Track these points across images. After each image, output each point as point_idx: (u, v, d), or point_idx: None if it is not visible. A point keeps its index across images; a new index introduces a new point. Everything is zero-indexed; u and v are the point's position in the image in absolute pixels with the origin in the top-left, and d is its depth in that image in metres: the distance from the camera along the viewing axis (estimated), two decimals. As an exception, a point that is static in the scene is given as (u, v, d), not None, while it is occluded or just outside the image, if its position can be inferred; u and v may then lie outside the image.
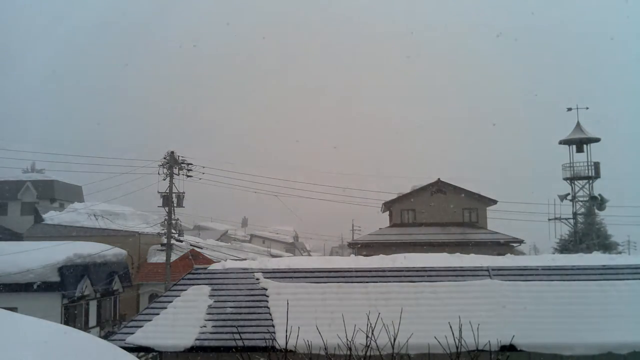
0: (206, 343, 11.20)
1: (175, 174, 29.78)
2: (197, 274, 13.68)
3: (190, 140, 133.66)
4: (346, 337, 5.93)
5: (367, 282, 12.69)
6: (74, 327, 12.36)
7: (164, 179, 29.49)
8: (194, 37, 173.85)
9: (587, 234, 31.17)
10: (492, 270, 13.14)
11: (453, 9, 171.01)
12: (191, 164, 30.12)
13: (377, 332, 5.91)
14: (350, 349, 5.91)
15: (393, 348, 6.10)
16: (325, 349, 6.22)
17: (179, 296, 12.64)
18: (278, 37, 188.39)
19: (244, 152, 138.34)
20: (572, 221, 32.57)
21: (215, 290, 12.75)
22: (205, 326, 11.60)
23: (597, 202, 32.01)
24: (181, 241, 31.96)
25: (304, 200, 57.39)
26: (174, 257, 31.16)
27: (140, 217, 42.57)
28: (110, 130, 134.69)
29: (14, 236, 38.66)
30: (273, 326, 11.10)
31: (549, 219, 32.85)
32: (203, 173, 30.51)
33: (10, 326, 6.00)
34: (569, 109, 33.74)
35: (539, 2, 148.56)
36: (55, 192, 46.96)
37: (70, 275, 25.74)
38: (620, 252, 29.12)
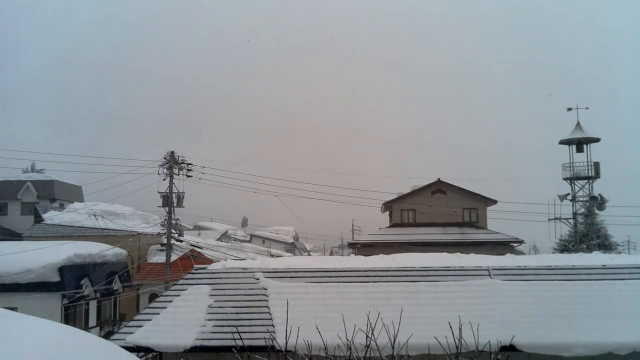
0: (206, 343, 11.21)
1: (175, 174, 29.77)
2: (197, 273, 13.68)
3: (190, 140, 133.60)
4: (346, 337, 5.93)
5: (367, 282, 12.70)
6: (74, 327, 12.32)
7: (164, 179, 29.49)
8: (194, 36, 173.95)
9: (587, 234, 31.16)
10: (492, 270, 13.15)
11: (454, 7, 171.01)
12: (191, 164, 30.12)
13: (377, 332, 5.91)
14: (350, 349, 5.91)
15: (393, 348, 6.11)
16: (325, 349, 6.22)
17: (179, 296, 12.64)
18: (279, 37, 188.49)
19: (244, 152, 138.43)
20: (572, 221, 32.56)
21: (215, 290, 12.75)
22: (205, 326, 11.60)
23: (597, 202, 32.00)
24: (181, 241, 31.95)
25: (304, 200, 57.32)
26: (174, 257, 31.15)
27: (140, 217, 42.52)
28: (110, 130, 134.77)
29: (14, 236, 38.64)
30: (273, 326, 11.10)
31: (549, 219, 32.85)
32: (203, 173, 30.52)
33: (10, 326, 6.00)
34: (569, 109, 33.76)
35: (540, 1, 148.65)
36: (55, 192, 46.94)
37: (70, 275, 25.72)
38: (620, 252, 29.10)
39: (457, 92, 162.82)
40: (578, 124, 33.45)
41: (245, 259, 18.18)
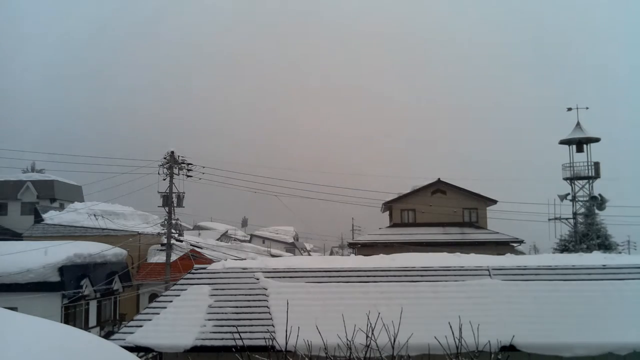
0: (206, 343, 11.19)
1: (175, 174, 29.76)
2: (197, 273, 13.67)
3: (190, 139, 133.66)
4: (346, 337, 5.93)
5: (367, 282, 12.69)
6: (74, 327, 12.29)
7: (164, 179, 29.48)
8: (194, 35, 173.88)
9: (587, 234, 31.15)
10: (492, 270, 13.14)
11: (454, 6, 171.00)
12: (191, 164, 30.11)
13: (377, 332, 5.91)
14: (350, 349, 5.91)
15: (393, 348, 6.10)
16: (325, 349, 6.21)
17: (179, 296, 12.64)
18: (279, 36, 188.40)
19: (244, 152, 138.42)
20: (572, 221, 32.55)
21: (215, 290, 12.75)
22: (205, 326, 11.59)
23: (597, 202, 31.99)
24: (181, 241, 31.94)
25: (304, 200, 57.29)
26: (174, 257, 31.15)
27: (140, 217, 42.53)
28: (110, 130, 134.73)
29: (14, 236, 38.62)
30: (273, 326, 11.09)
31: (549, 219, 32.86)
32: (203, 173, 30.51)
33: (10, 326, 5.99)
34: (569, 109, 33.76)
35: (541, 1, 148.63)
36: (55, 192, 46.92)
37: (70, 275, 25.73)
38: (620, 252, 29.09)
39: (458, 92, 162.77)
40: (578, 123, 33.45)
41: (245, 259, 18.17)
